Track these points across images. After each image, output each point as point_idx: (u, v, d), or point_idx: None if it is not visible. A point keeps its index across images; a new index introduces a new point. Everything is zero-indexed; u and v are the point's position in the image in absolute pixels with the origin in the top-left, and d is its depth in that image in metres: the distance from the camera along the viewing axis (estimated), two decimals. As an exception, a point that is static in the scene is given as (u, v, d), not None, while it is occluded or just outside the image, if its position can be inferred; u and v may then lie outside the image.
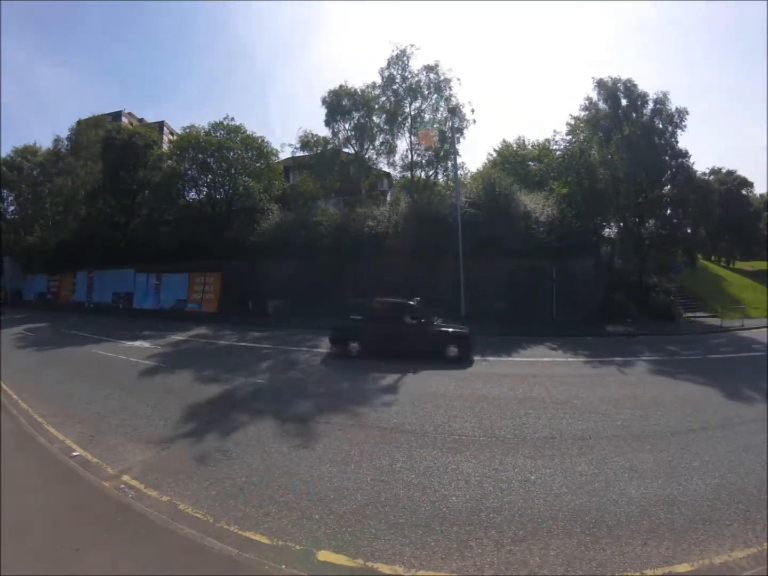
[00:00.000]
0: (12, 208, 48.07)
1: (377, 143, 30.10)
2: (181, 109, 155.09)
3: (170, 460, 7.01)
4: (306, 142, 30.40)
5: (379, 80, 29.33)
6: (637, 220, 24.98)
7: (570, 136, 28.77)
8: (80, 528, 4.93)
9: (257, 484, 6.09)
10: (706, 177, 31.90)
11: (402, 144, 30.26)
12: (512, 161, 39.51)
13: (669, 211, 24.79)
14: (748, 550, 4.46)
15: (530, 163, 38.99)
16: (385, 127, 29.37)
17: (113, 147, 35.23)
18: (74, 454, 7.20)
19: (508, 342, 17.44)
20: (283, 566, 4.31)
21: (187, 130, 33.85)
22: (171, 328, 23.03)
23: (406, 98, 28.86)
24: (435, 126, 28.97)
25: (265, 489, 5.96)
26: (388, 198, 37.13)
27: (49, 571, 4.12)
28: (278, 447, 7.36)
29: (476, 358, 14.11)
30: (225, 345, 18.45)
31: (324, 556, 4.52)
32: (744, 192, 56.19)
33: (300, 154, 31.67)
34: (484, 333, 18.88)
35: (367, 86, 29.70)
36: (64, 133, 45.50)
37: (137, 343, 18.34)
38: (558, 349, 16.50)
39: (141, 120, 73.64)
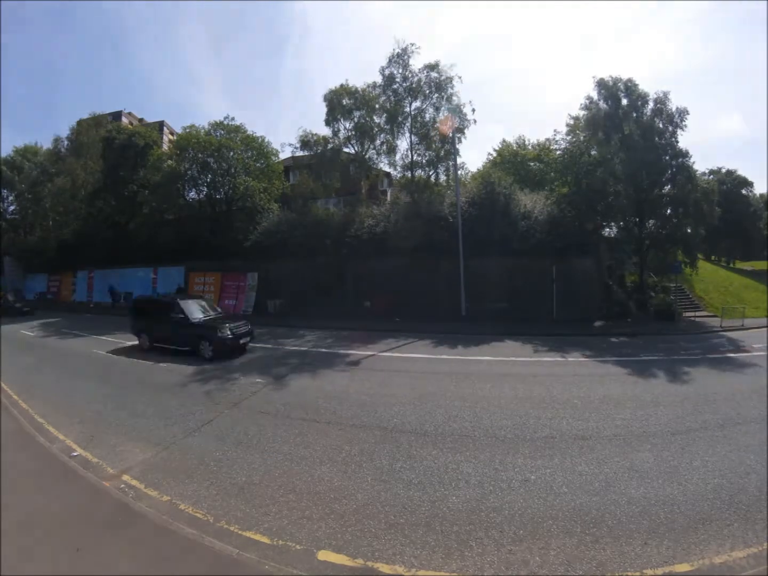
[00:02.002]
0: (12, 207, 48.10)
1: (378, 143, 30.05)
2: (182, 108, 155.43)
3: (170, 459, 7.01)
4: (306, 141, 30.36)
5: (379, 79, 29.33)
6: (637, 219, 24.97)
7: (570, 136, 28.81)
8: (81, 528, 4.94)
9: (257, 484, 6.10)
10: (706, 177, 31.85)
11: (402, 144, 30.24)
12: (512, 161, 39.58)
13: (669, 211, 24.77)
14: (748, 550, 4.46)
15: (530, 163, 39.06)
16: (385, 126, 29.32)
17: (113, 147, 35.25)
18: (74, 453, 7.21)
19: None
20: (284, 566, 4.32)
21: (187, 130, 33.82)
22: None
23: (406, 98, 28.81)
24: (436, 125, 28.94)
25: (265, 489, 5.97)
26: (389, 198, 37.11)
27: (50, 571, 4.13)
28: (279, 446, 7.37)
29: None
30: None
31: (324, 555, 4.52)
32: (744, 192, 56.12)
33: (300, 153, 31.64)
34: (481, 333, 19.00)
35: (368, 85, 29.67)
36: (64, 133, 45.66)
37: (137, 343, 18.28)
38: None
39: (141, 120, 73.68)
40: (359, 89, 29.54)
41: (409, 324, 21.59)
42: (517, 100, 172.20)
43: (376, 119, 29.60)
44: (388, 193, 38.79)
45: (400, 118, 28.81)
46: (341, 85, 29.74)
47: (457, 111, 27.78)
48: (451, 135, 27.47)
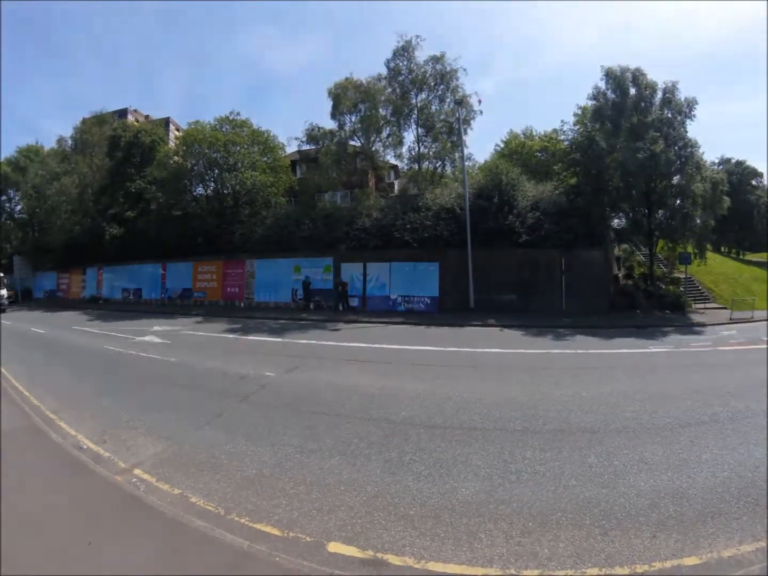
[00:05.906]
0: (19, 207, 48.43)
1: (384, 135, 30.01)
2: (186, 106, 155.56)
3: (181, 453, 7.07)
4: (312, 135, 30.36)
5: (384, 72, 29.19)
6: (645, 210, 24.75)
7: (577, 126, 28.57)
8: (92, 522, 5.00)
9: (268, 477, 6.14)
10: (716, 167, 31.48)
11: (409, 136, 30.21)
12: (520, 152, 39.33)
13: (678, 202, 24.50)
14: (756, 544, 4.43)
15: (538, 154, 38.80)
16: (391, 119, 29.25)
17: (120, 145, 35.39)
18: (85, 448, 7.28)
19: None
20: (294, 558, 4.35)
21: (193, 126, 33.81)
22: (181, 321, 23.27)
23: (412, 90, 28.68)
24: (442, 117, 28.81)
25: (276, 481, 6.01)
26: (396, 190, 37.06)
27: (62, 563, 4.18)
28: (289, 439, 7.41)
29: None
30: (232, 338, 18.56)
31: (334, 547, 4.55)
32: (754, 182, 55.49)
33: (306, 147, 31.67)
34: (489, 325, 19.01)
35: (373, 78, 29.57)
36: (68, 132, 45.91)
37: (147, 338, 18.45)
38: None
39: (147, 117, 73.73)
40: (364, 82, 29.43)
41: (415, 316, 21.61)
42: (524, 92, 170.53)
43: (382, 111, 29.50)
44: (395, 186, 38.71)
45: (406, 111, 28.71)
46: (346, 78, 29.68)
47: (463, 102, 27.58)
48: (457, 127, 27.34)
